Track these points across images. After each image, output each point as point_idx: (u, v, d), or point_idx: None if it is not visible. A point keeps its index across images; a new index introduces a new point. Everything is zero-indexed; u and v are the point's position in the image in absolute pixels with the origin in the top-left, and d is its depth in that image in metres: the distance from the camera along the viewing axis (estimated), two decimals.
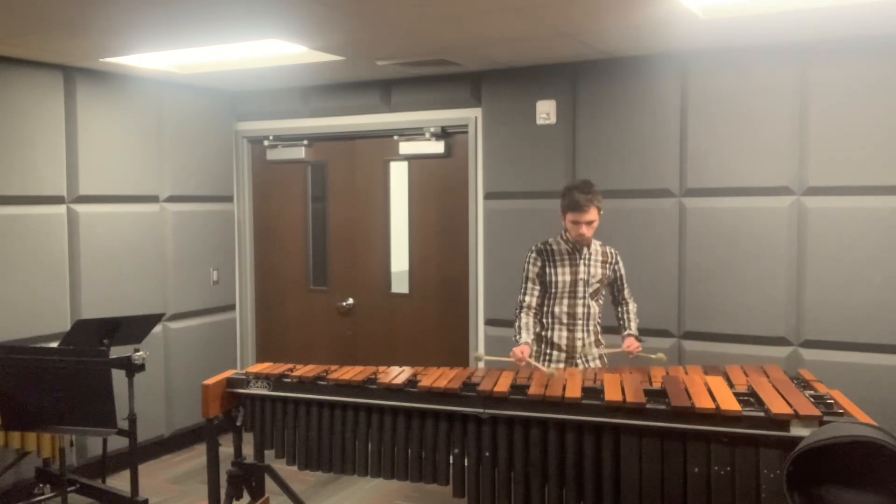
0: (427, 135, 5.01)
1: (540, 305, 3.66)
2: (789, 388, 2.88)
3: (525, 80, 4.63)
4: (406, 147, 5.12)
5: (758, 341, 4.11)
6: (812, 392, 2.87)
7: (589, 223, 3.53)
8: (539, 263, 3.64)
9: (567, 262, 3.63)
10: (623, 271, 3.77)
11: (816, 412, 2.58)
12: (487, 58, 4.37)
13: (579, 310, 3.63)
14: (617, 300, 3.80)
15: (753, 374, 3.15)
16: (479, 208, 4.88)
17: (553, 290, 3.63)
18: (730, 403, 2.69)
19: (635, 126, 4.35)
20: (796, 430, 2.56)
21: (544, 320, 3.67)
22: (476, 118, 4.86)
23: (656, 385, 2.98)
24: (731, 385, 2.97)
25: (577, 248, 3.64)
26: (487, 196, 4.82)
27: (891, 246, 3.81)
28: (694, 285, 4.25)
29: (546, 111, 4.58)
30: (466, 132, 4.93)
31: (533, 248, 3.70)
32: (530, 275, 3.66)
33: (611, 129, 4.41)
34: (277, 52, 4.10)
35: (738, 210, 4.14)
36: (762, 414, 2.63)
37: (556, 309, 3.63)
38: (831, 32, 3.73)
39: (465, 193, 4.98)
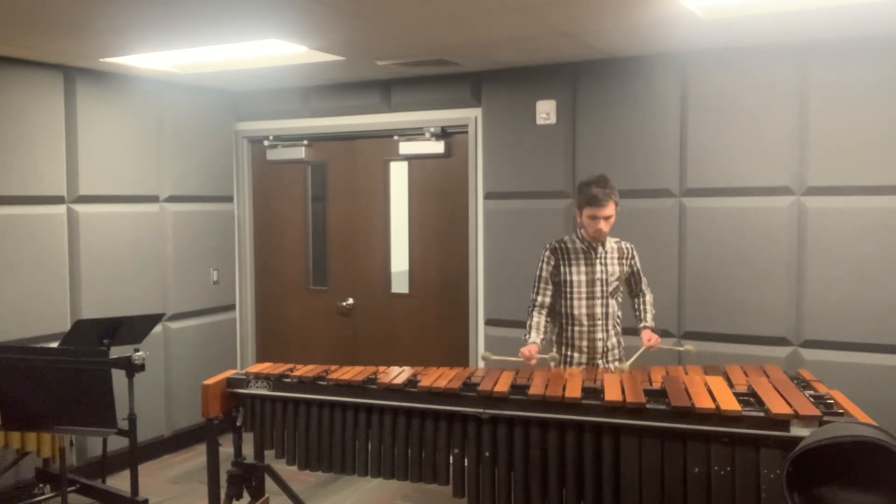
0: (427, 135, 5.01)
1: (553, 305, 3.62)
2: (789, 388, 2.88)
3: (525, 80, 4.63)
4: (406, 147, 5.12)
5: (758, 341, 4.11)
6: (812, 392, 2.87)
7: (607, 218, 3.47)
8: (553, 262, 3.58)
9: (583, 262, 3.57)
10: (639, 265, 3.73)
11: (816, 412, 2.58)
12: (487, 58, 4.37)
13: (598, 310, 3.57)
14: (634, 292, 3.76)
15: (753, 374, 3.15)
16: (479, 208, 4.88)
17: (568, 290, 3.57)
18: (730, 403, 2.69)
19: (635, 126, 4.35)
20: (796, 430, 2.56)
21: (563, 322, 3.61)
22: (476, 118, 4.86)
23: (656, 385, 2.98)
24: (731, 385, 2.97)
25: (592, 247, 3.58)
26: (487, 196, 4.82)
27: (891, 246, 3.81)
28: (694, 285, 4.25)
29: (546, 111, 4.57)
30: (466, 132, 4.92)
31: (547, 246, 3.63)
32: (544, 274, 3.59)
33: (611, 129, 4.41)
34: (277, 52, 4.09)
35: (738, 210, 4.14)
36: (762, 414, 2.63)
37: (575, 311, 3.57)
38: (831, 32, 3.73)
39: (465, 193, 4.98)
